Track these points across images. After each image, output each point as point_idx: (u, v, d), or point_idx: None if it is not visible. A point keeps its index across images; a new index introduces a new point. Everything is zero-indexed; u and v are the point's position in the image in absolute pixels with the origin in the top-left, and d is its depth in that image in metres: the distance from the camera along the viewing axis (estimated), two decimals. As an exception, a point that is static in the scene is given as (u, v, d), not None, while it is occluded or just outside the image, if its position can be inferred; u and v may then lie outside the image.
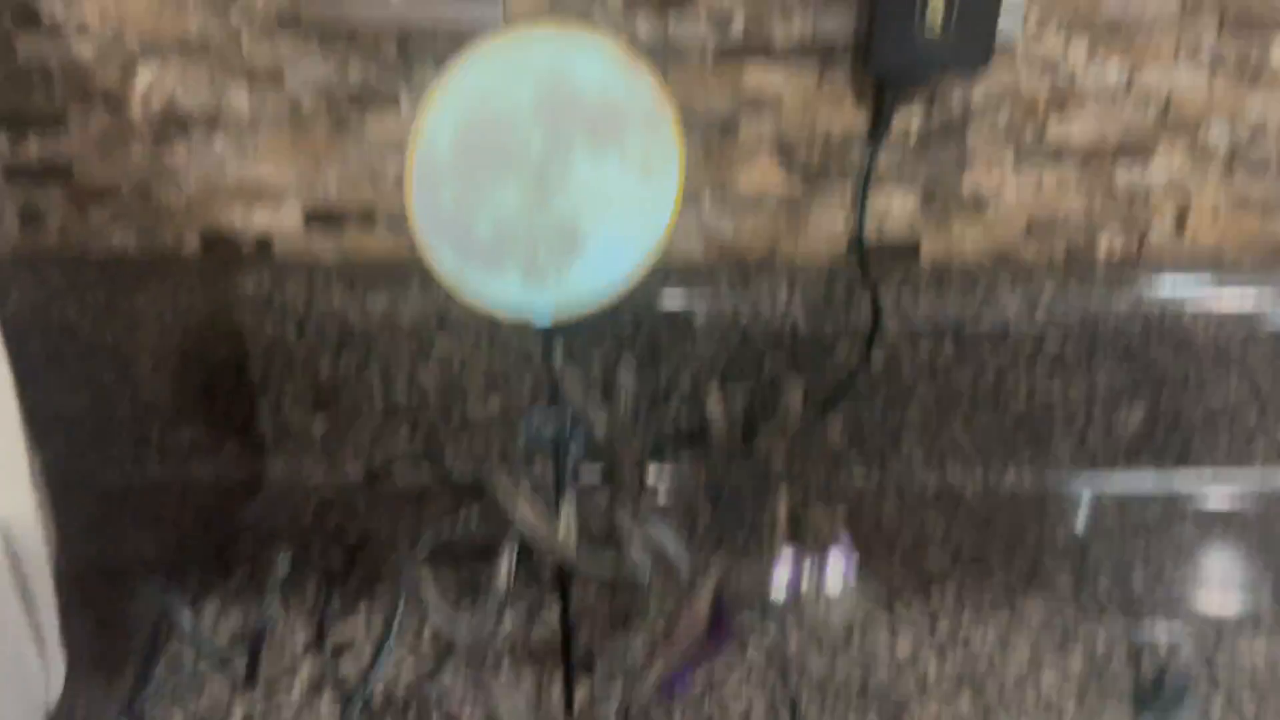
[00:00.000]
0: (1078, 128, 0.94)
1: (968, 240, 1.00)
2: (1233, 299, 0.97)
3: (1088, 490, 1.02)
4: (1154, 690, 0.76)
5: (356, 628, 0.88)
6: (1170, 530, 0.98)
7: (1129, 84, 0.92)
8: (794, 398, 0.59)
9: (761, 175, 0.97)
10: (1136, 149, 0.95)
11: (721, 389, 0.84)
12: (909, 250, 1.00)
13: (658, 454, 0.91)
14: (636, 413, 0.51)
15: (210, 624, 0.87)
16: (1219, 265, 0.99)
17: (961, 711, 0.79)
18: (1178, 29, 0.90)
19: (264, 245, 1.02)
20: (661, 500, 0.91)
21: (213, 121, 0.96)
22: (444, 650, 0.80)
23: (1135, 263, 1.00)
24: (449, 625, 0.49)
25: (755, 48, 0.91)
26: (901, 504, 0.99)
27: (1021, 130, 0.94)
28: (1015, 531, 0.97)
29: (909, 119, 0.94)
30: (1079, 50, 0.91)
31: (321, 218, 1.01)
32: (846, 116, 0.94)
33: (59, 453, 0.76)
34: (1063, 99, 0.93)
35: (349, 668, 0.84)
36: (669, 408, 0.94)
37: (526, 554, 0.51)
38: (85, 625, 0.83)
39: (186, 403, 1.04)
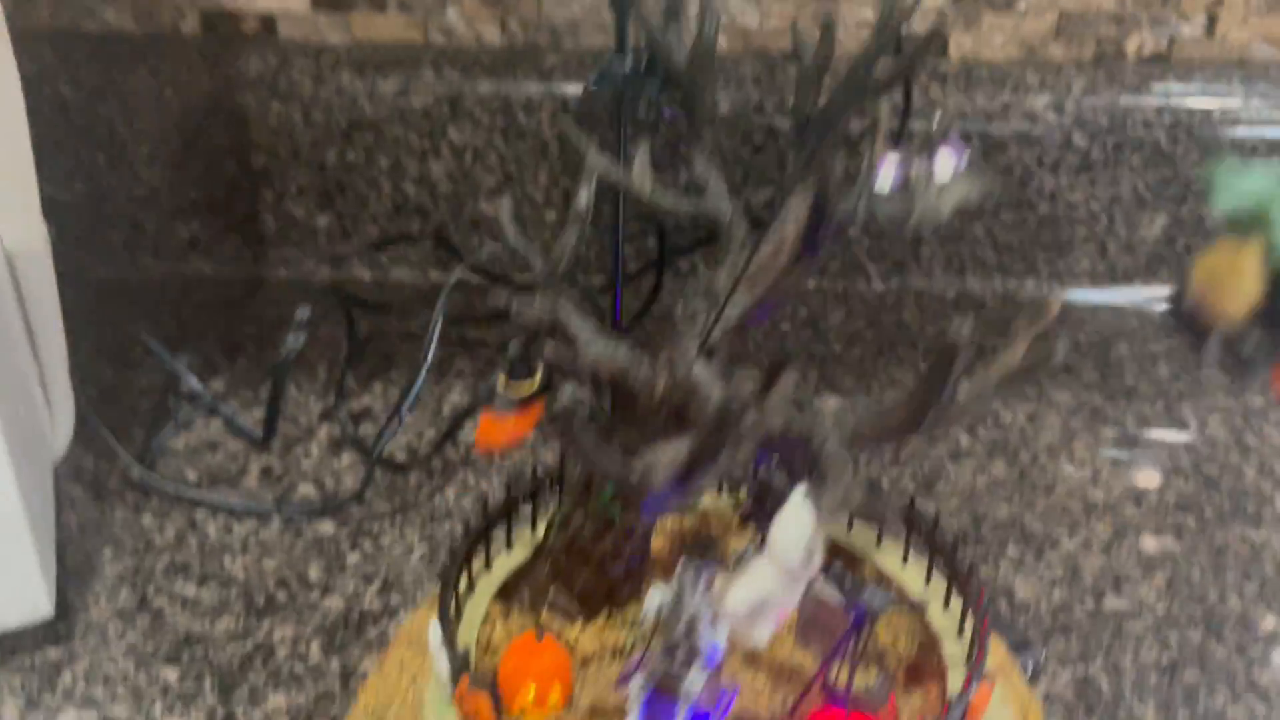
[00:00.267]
0: (1115, -86, 0.92)
1: (996, 38, 0.98)
2: (1260, 103, 0.96)
3: (1109, 298, 1.01)
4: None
5: (373, 398, 0.85)
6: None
7: None
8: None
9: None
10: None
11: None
12: (937, 47, 0.98)
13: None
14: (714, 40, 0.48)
15: (221, 392, 0.84)
16: (1248, 67, 0.98)
17: (997, 475, 0.78)
18: None
19: (268, 25, 0.98)
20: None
21: (218, -120, 0.91)
22: (463, 415, 0.78)
23: (1165, 63, 0.98)
24: (525, 249, 0.46)
25: None
26: (920, 311, 0.98)
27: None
28: (1039, 336, 0.96)
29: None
30: None
31: (330, -6, 0.97)
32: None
33: (50, 240, 0.73)
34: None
35: (368, 431, 0.82)
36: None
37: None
38: (90, 392, 0.79)
39: (184, 193, 1.00)
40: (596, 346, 0.46)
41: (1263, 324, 0.60)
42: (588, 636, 0.54)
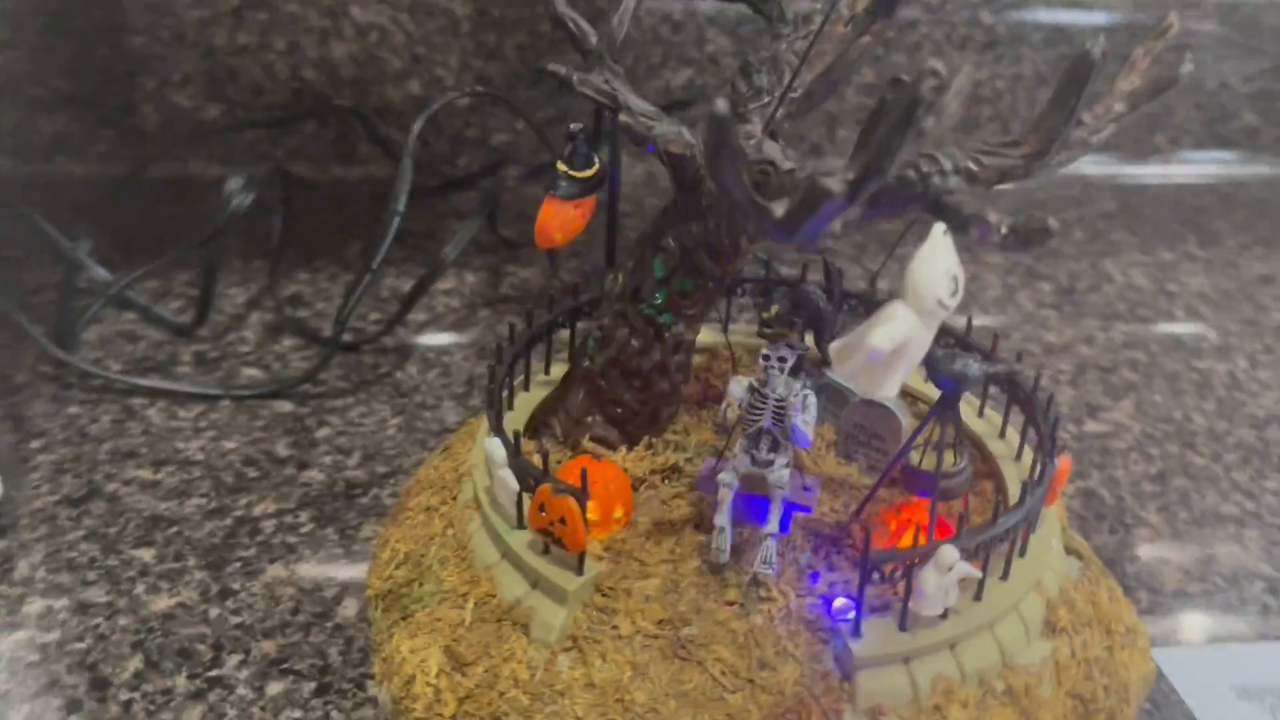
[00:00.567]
0: None
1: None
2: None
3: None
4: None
5: (299, 285, 0.79)
6: None
7: None
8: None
9: None
10: None
11: None
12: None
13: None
14: None
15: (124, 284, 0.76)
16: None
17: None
18: None
19: (142, -109, 0.88)
20: None
21: None
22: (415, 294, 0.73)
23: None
24: (574, 22, 0.43)
25: None
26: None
27: None
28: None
29: None
30: None
31: None
32: None
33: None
34: None
35: (305, 315, 0.76)
36: None
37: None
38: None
39: (47, 83, 0.90)
40: (662, 125, 0.43)
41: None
42: (631, 462, 0.51)
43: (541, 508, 0.43)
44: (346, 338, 0.72)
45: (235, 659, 0.48)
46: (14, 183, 0.88)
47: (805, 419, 0.43)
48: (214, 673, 0.47)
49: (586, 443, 0.51)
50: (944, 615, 0.42)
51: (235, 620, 0.50)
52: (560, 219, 0.44)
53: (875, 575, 0.41)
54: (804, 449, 0.48)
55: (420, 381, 0.69)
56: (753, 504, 0.44)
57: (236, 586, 0.52)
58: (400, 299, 0.76)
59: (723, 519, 0.44)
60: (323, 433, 0.64)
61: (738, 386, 0.44)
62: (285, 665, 0.48)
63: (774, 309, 0.54)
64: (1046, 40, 1.00)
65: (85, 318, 0.71)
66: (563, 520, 0.42)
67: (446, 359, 0.72)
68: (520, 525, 0.46)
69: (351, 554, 0.55)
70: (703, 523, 0.47)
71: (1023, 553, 0.45)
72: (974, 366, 0.43)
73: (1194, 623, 0.53)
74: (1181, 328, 0.81)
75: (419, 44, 0.93)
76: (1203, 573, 0.57)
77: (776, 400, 0.43)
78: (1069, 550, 0.50)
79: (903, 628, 0.42)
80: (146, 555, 0.54)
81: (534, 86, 0.91)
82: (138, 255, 0.80)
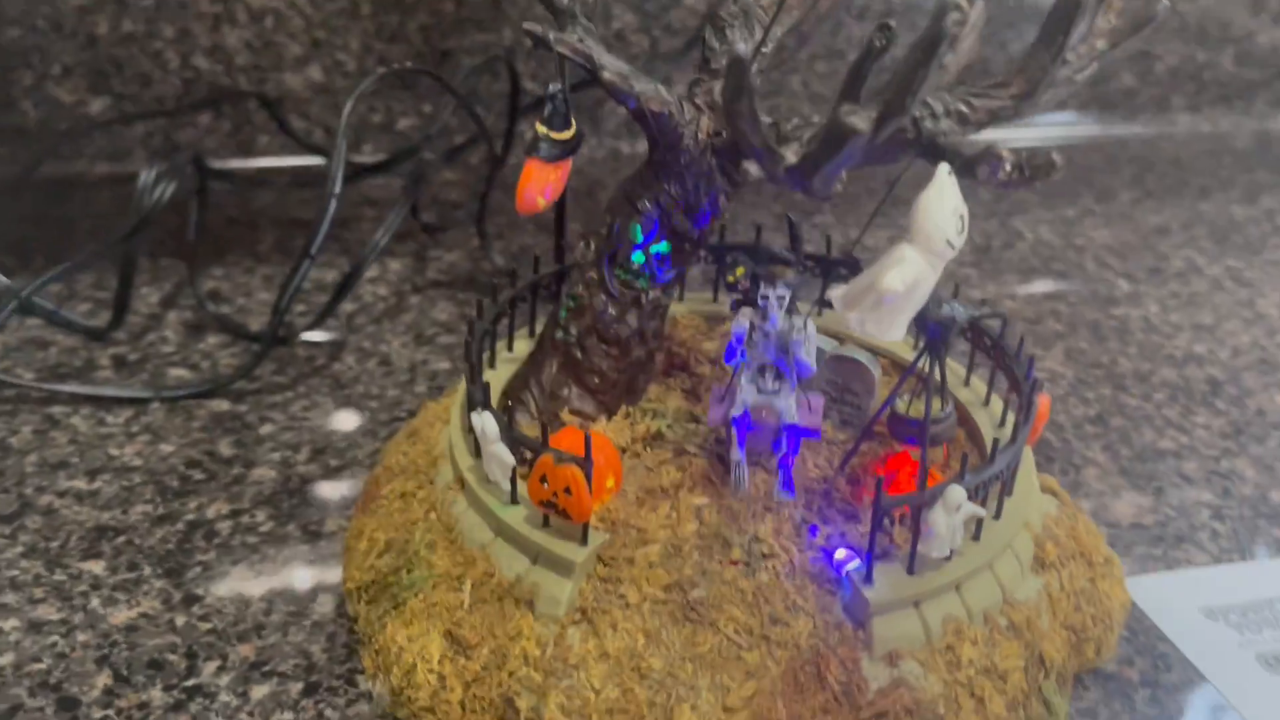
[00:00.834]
0: None
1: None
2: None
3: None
4: None
5: (215, 281, 0.75)
6: None
7: None
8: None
9: None
10: None
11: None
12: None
13: None
14: None
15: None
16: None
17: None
18: None
19: None
20: None
21: None
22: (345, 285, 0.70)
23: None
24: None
25: None
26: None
27: None
28: None
29: None
30: None
31: None
32: None
33: None
34: None
35: (227, 310, 0.72)
36: None
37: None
38: None
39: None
40: (641, 83, 0.42)
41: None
42: (612, 433, 0.50)
43: (543, 479, 0.41)
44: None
45: (212, 666, 0.45)
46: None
47: (807, 350, 0.44)
48: (191, 682, 0.45)
49: (565, 416, 0.50)
50: (949, 557, 0.42)
51: (206, 626, 0.47)
52: (542, 182, 0.43)
53: (886, 521, 0.41)
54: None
55: (360, 372, 0.67)
56: (761, 433, 0.45)
57: (201, 592, 0.49)
58: (325, 290, 0.73)
59: (737, 453, 0.44)
60: (266, 429, 0.61)
61: (739, 324, 0.44)
62: (267, 668, 0.46)
63: (739, 269, 0.54)
64: None
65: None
66: (568, 490, 0.41)
67: (384, 348, 0.69)
68: (514, 501, 0.44)
69: (318, 550, 0.52)
70: (695, 486, 0.46)
71: (1010, 492, 0.46)
72: (960, 310, 0.44)
73: (1153, 552, 0.55)
74: (1094, 278, 0.84)
75: (318, 27, 0.89)
76: (1153, 504, 0.59)
77: (778, 335, 0.44)
78: (1043, 489, 0.51)
79: (911, 571, 0.42)
80: (96, 567, 0.50)
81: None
82: (33, 259, 0.75)
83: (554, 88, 0.43)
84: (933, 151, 0.38)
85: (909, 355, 0.56)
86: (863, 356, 0.51)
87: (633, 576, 0.43)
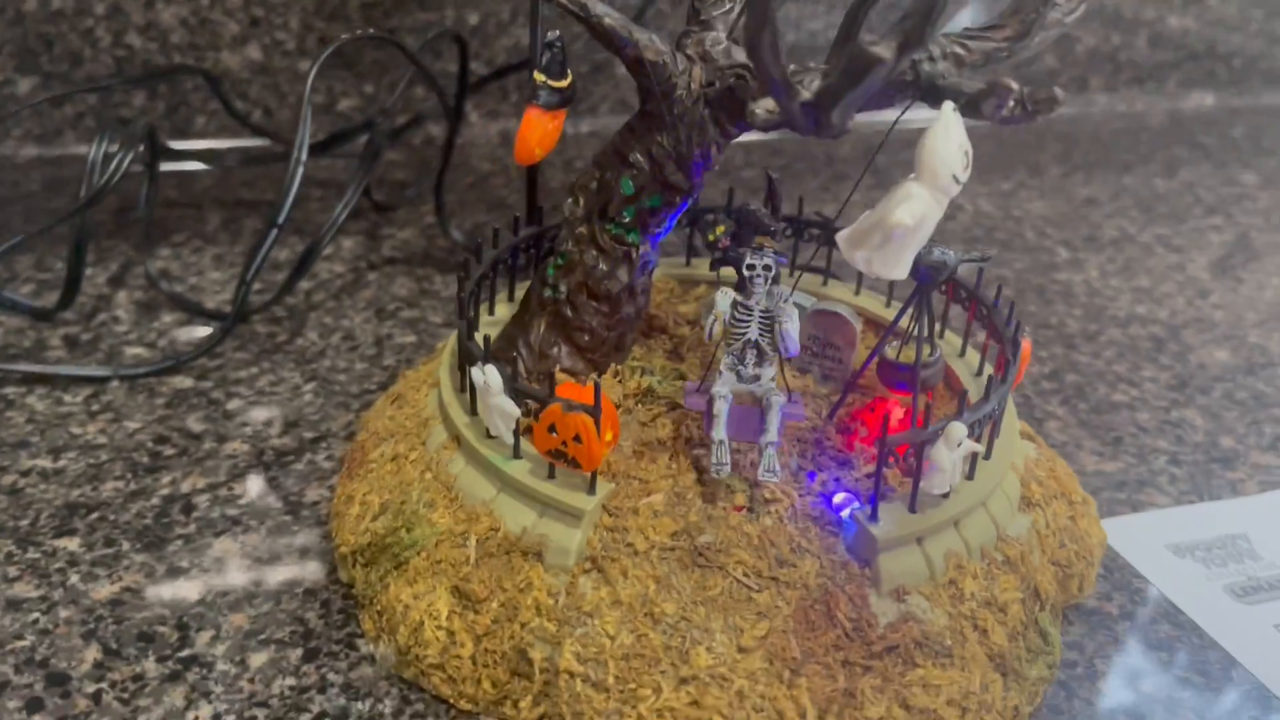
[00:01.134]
0: None
1: None
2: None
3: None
4: None
5: (168, 260, 0.73)
6: None
7: None
8: None
9: None
10: None
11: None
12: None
13: None
14: None
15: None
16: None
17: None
18: None
19: None
20: None
21: None
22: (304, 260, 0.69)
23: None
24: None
25: None
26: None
27: None
28: None
29: None
30: None
31: None
32: None
33: None
34: None
35: (180, 289, 0.70)
36: None
37: None
38: None
39: None
40: (639, 32, 0.42)
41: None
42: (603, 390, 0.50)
43: (552, 428, 0.41)
44: (226, 308, 0.67)
45: (206, 636, 0.44)
46: None
47: (791, 327, 0.44)
48: (186, 652, 0.43)
49: (557, 374, 0.49)
50: (947, 495, 0.44)
51: (194, 598, 0.46)
52: (541, 131, 0.42)
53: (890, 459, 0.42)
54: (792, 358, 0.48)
55: (325, 346, 0.65)
56: (743, 418, 0.45)
57: (185, 565, 0.48)
58: (279, 269, 0.72)
59: (720, 432, 0.44)
60: (234, 405, 0.59)
61: (722, 299, 0.44)
62: (263, 636, 0.44)
63: (719, 228, 0.54)
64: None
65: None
66: (577, 438, 0.41)
67: (346, 323, 0.68)
68: (516, 455, 0.44)
69: (302, 519, 0.51)
70: (692, 438, 0.47)
71: (999, 433, 0.47)
72: (951, 255, 0.45)
73: (1118, 496, 0.57)
74: (1035, 246, 0.86)
75: (256, 5, 0.88)
76: (1114, 453, 0.61)
77: (762, 312, 0.44)
78: (1021, 435, 0.52)
79: (913, 509, 0.43)
80: (72, 544, 0.49)
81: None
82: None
83: (553, 35, 0.42)
84: (932, 93, 0.38)
85: (884, 312, 0.57)
86: (843, 310, 0.52)
87: (639, 525, 0.43)
